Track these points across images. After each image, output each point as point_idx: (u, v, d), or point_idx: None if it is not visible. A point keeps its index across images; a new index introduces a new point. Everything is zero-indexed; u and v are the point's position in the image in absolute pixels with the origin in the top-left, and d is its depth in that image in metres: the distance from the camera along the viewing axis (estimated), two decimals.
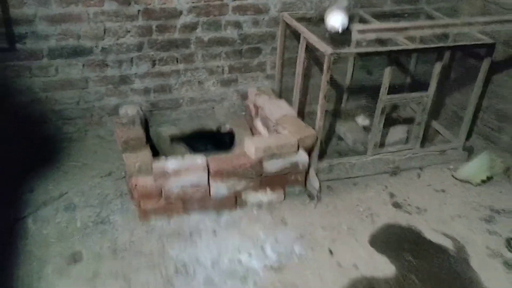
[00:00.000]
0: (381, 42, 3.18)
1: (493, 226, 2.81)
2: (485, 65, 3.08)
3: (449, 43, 3.13)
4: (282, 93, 3.53)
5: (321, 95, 2.85)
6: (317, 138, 2.92)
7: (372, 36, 2.57)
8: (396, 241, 2.66)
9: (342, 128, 3.60)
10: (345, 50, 2.82)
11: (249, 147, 2.76)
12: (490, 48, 3.04)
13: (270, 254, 2.51)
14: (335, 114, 3.72)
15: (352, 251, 2.57)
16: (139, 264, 2.39)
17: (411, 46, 2.87)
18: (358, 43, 2.84)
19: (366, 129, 3.44)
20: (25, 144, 3.08)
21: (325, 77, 2.78)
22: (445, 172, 3.28)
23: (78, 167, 3.10)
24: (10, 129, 3.03)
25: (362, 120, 3.58)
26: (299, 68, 3.13)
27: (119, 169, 3.07)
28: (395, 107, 3.79)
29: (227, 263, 2.43)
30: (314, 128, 2.93)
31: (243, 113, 3.62)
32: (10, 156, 2.96)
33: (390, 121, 3.67)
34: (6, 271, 2.27)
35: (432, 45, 2.95)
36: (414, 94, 3.13)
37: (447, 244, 2.66)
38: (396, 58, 3.61)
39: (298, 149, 2.85)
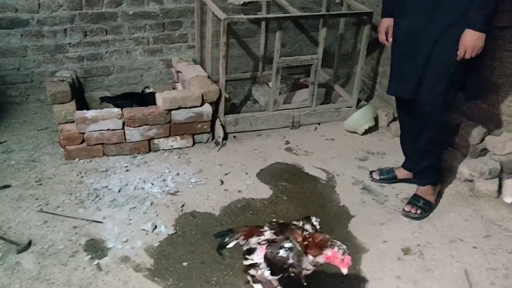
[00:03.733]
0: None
1: (364, 163, 3.36)
2: (365, 31, 3.63)
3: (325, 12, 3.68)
4: (203, 62, 4.04)
5: (221, 55, 3.38)
6: (220, 92, 3.45)
7: (241, 0, 3.13)
8: (279, 173, 3.20)
9: (257, 92, 4.14)
10: (236, 16, 3.36)
11: (158, 99, 3.28)
12: (368, 16, 3.59)
13: (169, 183, 3.03)
14: (252, 81, 4.26)
15: (240, 181, 3.10)
16: (58, 190, 2.90)
17: (293, 14, 3.42)
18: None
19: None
20: None
21: (222, 39, 3.31)
22: (339, 126, 3.82)
23: (18, 123, 3.59)
24: None
25: None
26: (209, 36, 3.66)
27: (55, 125, 3.56)
28: (307, 75, 4.31)
29: (132, 189, 2.95)
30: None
31: (170, 81, 4.14)
32: None
33: (298, 86, 4.23)
34: None
35: (308, 14, 3.50)
36: (304, 57, 3.67)
37: (321, 175, 3.20)
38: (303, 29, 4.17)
39: (203, 101, 3.37)
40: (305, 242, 1.87)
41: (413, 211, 2.82)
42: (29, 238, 2.50)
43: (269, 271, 1.90)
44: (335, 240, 1.85)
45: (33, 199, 2.80)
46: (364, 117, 3.64)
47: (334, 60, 4.05)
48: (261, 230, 2.02)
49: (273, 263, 1.90)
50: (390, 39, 2.84)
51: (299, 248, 1.88)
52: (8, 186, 2.89)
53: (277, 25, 3.40)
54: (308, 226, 1.98)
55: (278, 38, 3.43)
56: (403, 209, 2.85)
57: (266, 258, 1.92)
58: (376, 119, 3.76)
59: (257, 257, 1.96)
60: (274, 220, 2.13)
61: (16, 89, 3.76)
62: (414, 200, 2.87)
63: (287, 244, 1.90)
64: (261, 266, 1.94)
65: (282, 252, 1.88)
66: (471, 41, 2.41)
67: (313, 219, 2.02)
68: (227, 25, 3.26)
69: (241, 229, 2.06)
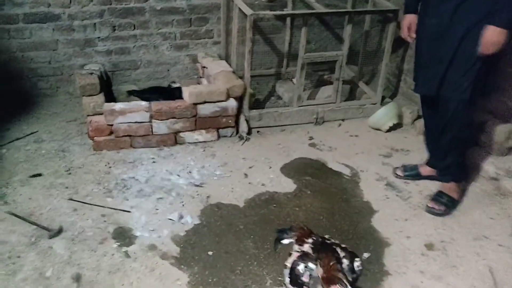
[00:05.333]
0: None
1: (388, 160, 3.36)
2: (390, 29, 3.63)
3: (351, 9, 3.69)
4: (229, 58, 4.09)
5: (246, 50, 3.42)
6: (245, 87, 3.49)
7: None
8: (303, 168, 3.23)
9: (281, 88, 4.18)
10: (262, 12, 3.39)
11: (185, 93, 3.34)
12: (394, 13, 3.59)
13: (195, 175, 3.09)
14: (276, 77, 4.29)
15: (264, 174, 3.14)
16: (87, 179, 2.98)
17: (319, 10, 3.43)
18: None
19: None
20: (5, 96, 3.67)
21: (248, 35, 3.35)
22: (363, 123, 3.83)
23: (49, 114, 3.69)
24: None
25: None
26: (234, 32, 3.71)
27: (84, 116, 3.64)
28: (332, 71, 4.33)
29: (158, 180, 3.01)
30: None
31: (196, 76, 4.20)
32: None
33: (323, 83, 4.25)
34: None
35: (334, 10, 3.52)
36: (329, 53, 3.69)
37: (345, 171, 3.22)
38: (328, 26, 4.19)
39: (228, 96, 3.42)
40: (324, 274, 1.83)
41: (436, 207, 2.82)
42: (60, 225, 2.58)
43: (289, 279, 1.93)
44: (345, 282, 1.77)
45: (63, 188, 2.88)
46: (388, 114, 3.64)
47: (359, 57, 4.05)
48: (306, 240, 2.02)
49: (292, 273, 1.93)
50: (414, 35, 2.84)
51: (319, 275, 1.85)
52: (39, 174, 2.98)
53: (302, 22, 3.42)
54: (345, 261, 1.90)
55: (303, 34, 3.45)
56: (427, 205, 2.85)
57: (291, 266, 1.95)
58: (400, 116, 3.75)
59: (288, 262, 1.98)
60: (326, 236, 2.12)
61: (47, 82, 3.86)
62: (438, 196, 2.87)
63: (310, 265, 1.89)
64: (284, 272, 1.97)
65: (300, 267, 1.88)
66: (492, 37, 2.40)
67: (357, 262, 1.92)
68: (253, 21, 3.30)
69: (298, 229, 2.08)
